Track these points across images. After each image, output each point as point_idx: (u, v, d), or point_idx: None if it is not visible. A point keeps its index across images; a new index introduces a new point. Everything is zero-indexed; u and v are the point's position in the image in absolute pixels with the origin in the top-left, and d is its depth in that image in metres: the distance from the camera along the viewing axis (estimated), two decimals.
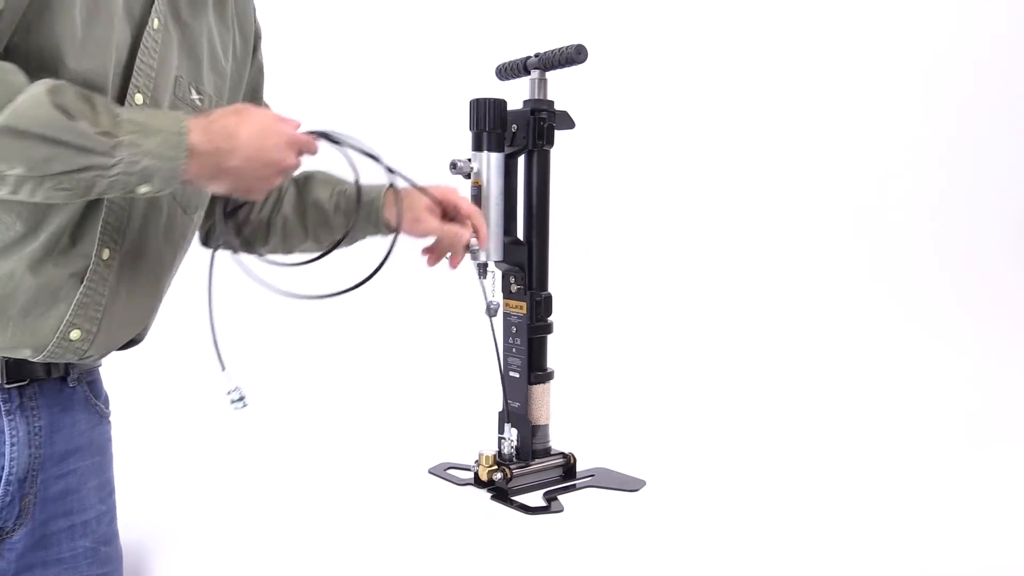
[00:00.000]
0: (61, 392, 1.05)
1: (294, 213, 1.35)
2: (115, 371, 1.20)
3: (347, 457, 1.97)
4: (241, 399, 1.25)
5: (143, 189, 0.90)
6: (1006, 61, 3.38)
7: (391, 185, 1.28)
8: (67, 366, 1.05)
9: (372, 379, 2.51)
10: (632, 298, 2.99)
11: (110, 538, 1.17)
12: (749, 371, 2.74)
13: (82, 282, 0.97)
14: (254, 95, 1.31)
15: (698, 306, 3.02)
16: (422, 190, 1.26)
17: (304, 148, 1.04)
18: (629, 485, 1.74)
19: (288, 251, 1.39)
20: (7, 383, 0.97)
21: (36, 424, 1.01)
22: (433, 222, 1.28)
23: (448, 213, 1.31)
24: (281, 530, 1.51)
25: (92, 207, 0.97)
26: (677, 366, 2.76)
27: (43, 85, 0.84)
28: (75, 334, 0.97)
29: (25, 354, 0.96)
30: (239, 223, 1.31)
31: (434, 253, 1.31)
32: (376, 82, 3.04)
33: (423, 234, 1.29)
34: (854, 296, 3.10)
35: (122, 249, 1.01)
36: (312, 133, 1.07)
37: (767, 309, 3.02)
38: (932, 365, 2.86)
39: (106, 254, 0.99)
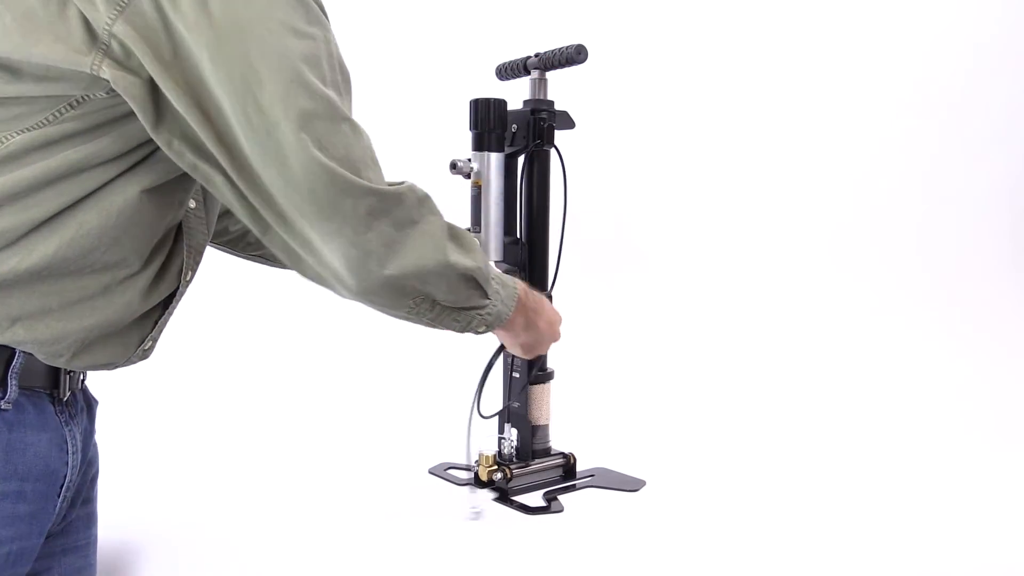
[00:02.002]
0: (84, 397, 1.09)
1: None
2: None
3: (347, 457, 1.97)
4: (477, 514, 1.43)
5: (481, 328, 1.12)
6: (999, 61, 3.38)
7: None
8: (83, 375, 1.08)
9: (372, 379, 2.51)
10: (632, 298, 2.99)
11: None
12: (749, 371, 2.74)
13: (171, 301, 1.05)
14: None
15: (698, 306, 3.02)
16: None
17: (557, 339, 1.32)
18: (629, 485, 1.74)
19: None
20: (64, 396, 1.00)
21: (80, 429, 1.04)
22: None
23: None
24: (281, 530, 1.51)
25: (180, 234, 1.05)
26: (677, 366, 2.76)
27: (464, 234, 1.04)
28: (148, 344, 1.04)
29: (106, 366, 1.01)
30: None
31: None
32: (376, 82, 3.04)
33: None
34: (854, 296, 3.10)
35: (198, 268, 1.09)
36: None
37: (767, 309, 3.02)
38: (931, 365, 2.86)
39: (189, 275, 1.07)
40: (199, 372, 2.38)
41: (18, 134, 0.88)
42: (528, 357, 1.33)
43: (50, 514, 0.99)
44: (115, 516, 1.28)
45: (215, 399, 2.36)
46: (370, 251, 0.93)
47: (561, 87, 1.72)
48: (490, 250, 1.44)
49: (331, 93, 0.90)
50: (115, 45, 0.84)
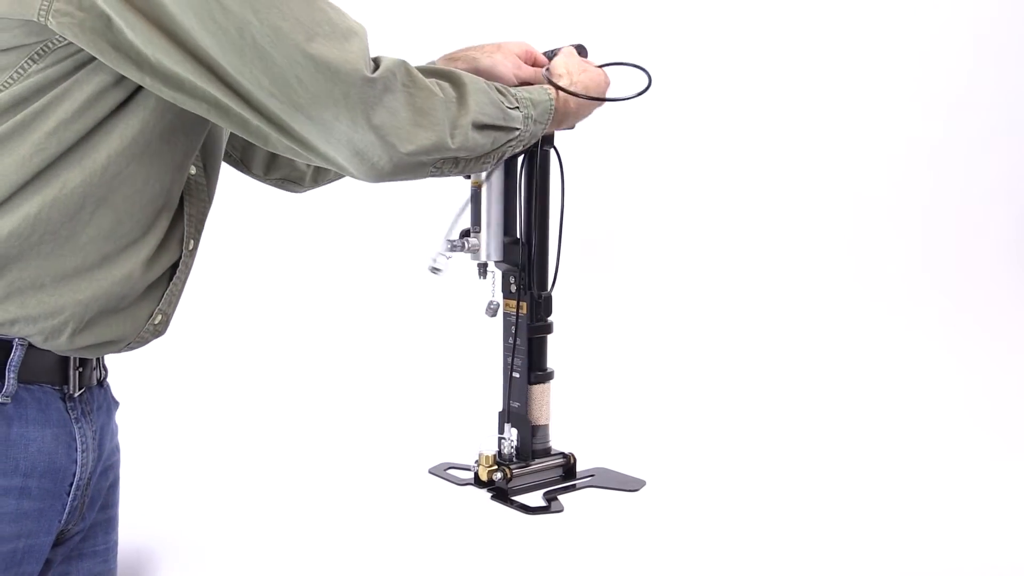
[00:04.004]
0: (103, 395, 1.08)
1: None
2: (114, 371, 1.21)
3: (347, 457, 1.97)
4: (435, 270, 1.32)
5: (517, 149, 1.14)
6: (999, 58, 3.38)
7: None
8: (104, 369, 1.08)
9: (372, 379, 2.51)
10: (632, 298, 2.99)
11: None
12: (749, 371, 2.74)
13: (175, 272, 1.03)
14: None
15: (698, 306, 3.02)
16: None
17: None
18: (629, 485, 1.74)
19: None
20: (74, 392, 0.99)
21: (95, 428, 1.03)
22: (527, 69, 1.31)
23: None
24: (281, 530, 1.51)
25: (181, 202, 1.02)
26: (677, 366, 2.76)
27: (470, 76, 1.03)
28: (159, 318, 1.03)
29: (115, 344, 0.99)
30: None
31: None
32: None
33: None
34: (854, 296, 3.10)
35: (200, 237, 1.07)
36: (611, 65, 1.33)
37: (767, 308, 3.03)
38: (930, 365, 2.86)
39: (191, 244, 1.05)
40: (198, 372, 2.38)
41: None
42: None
43: (59, 512, 0.98)
44: (135, 521, 1.28)
45: (216, 401, 2.36)
46: (371, 138, 0.90)
47: None
48: (490, 250, 1.43)
49: None
50: None
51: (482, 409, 1.68)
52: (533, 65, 1.28)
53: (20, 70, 0.86)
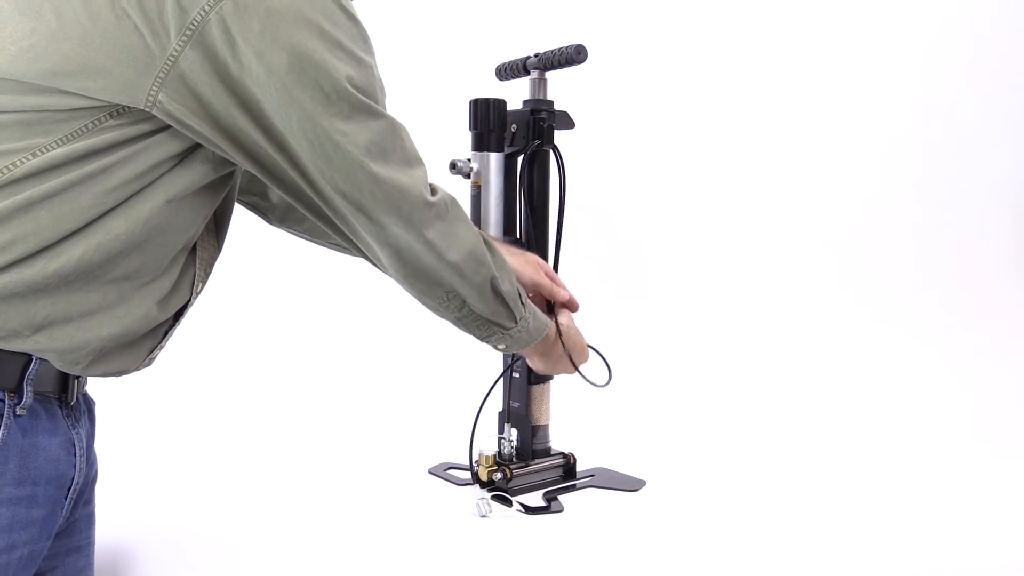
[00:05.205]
0: (84, 400, 1.08)
1: None
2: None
3: (347, 457, 1.97)
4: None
5: (500, 346, 1.24)
6: (999, 58, 3.38)
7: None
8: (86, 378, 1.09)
9: (372, 379, 2.51)
10: (632, 298, 2.99)
11: None
12: (749, 371, 2.74)
13: (182, 313, 1.06)
14: None
15: (698, 306, 3.02)
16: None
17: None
18: (629, 485, 1.74)
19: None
20: (71, 400, 1.00)
21: (85, 433, 1.04)
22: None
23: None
24: (280, 530, 1.51)
25: (194, 246, 1.05)
26: (677, 366, 2.76)
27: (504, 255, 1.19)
28: (156, 353, 1.05)
29: (116, 374, 1.02)
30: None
31: None
32: None
33: None
34: (854, 296, 3.10)
35: (208, 280, 1.10)
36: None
37: (767, 309, 3.03)
38: (930, 366, 2.86)
39: (200, 287, 1.07)
40: (197, 371, 2.38)
41: (58, 144, 0.87)
42: (541, 373, 1.47)
43: (58, 516, 0.99)
44: (111, 517, 1.28)
45: (213, 398, 2.36)
46: (419, 247, 1.07)
47: (561, 87, 1.72)
48: None
49: (385, 112, 1.00)
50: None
51: (482, 409, 1.68)
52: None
53: (96, 121, 0.88)
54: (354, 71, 0.96)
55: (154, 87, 0.86)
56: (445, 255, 1.10)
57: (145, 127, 0.89)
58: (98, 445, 1.11)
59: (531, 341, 1.27)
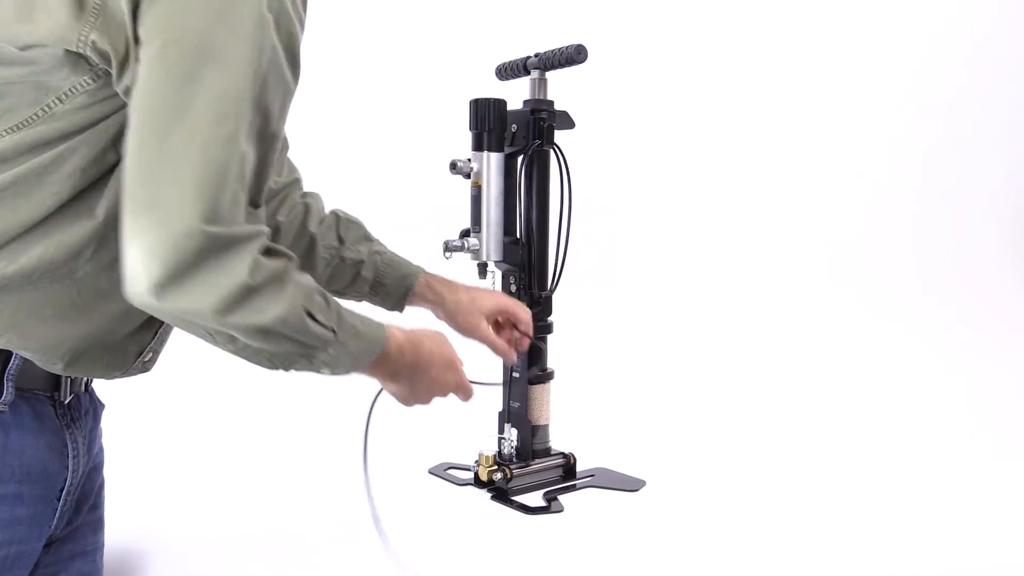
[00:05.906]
0: (89, 399, 1.08)
1: (323, 251, 1.37)
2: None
3: (347, 457, 1.97)
4: None
5: (324, 371, 1.00)
6: (999, 58, 3.38)
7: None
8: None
9: (372, 379, 2.52)
10: (632, 298, 2.99)
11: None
12: (749, 371, 2.74)
13: None
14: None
15: (698, 306, 3.02)
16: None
17: (464, 393, 1.25)
18: (629, 485, 1.74)
19: None
20: (64, 399, 1.00)
21: (84, 433, 1.04)
22: (487, 331, 1.36)
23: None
24: (281, 530, 1.51)
25: None
26: (677, 366, 2.76)
27: (300, 288, 0.91)
28: (148, 356, 1.03)
29: (103, 376, 1.00)
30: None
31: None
32: (376, 82, 3.04)
33: (474, 339, 1.36)
34: (854, 297, 3.10)
35: None
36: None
37: (766, 309, 3.02)
38: (929, 366, 2.86)
39: None
40: (197, 372, 2.38)
41: (7, 132, 0.86)
42: (405, 406, 1.25)
43: (49, 518, 0.99)
44: (120, 521, 1.28)
45: (214, 400, 2.36)
46: (162, 279, 0.83)
47: (561, 87, 1.72)
48: (490, 250, 1.44)
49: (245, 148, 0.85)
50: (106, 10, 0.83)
51: (482, 409, 1.68)
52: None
53: (45, 108, 0.87)
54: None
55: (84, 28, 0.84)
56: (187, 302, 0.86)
57: (91, 114, 0.87)
58: (108, 448, 1.11)
59: (362, 363, 1.06)
